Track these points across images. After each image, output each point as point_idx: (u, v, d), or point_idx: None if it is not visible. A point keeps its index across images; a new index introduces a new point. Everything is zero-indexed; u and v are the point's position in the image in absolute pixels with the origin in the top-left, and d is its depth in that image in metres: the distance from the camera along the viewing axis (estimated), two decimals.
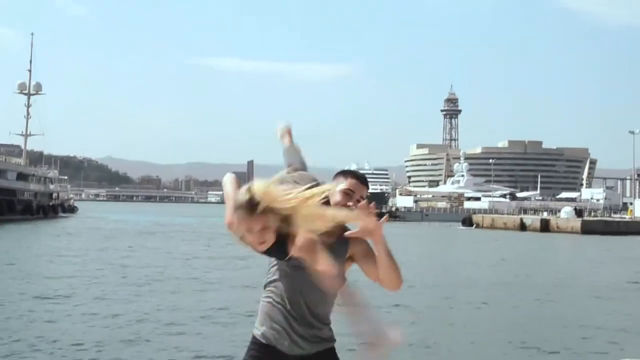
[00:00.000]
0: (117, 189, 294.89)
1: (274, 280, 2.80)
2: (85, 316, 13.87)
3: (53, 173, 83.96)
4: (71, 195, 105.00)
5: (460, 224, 78.00)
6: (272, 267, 2.83)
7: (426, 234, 58.13)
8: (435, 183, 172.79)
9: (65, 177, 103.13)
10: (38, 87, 78.56)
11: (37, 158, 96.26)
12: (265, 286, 2.84)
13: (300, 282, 2.71)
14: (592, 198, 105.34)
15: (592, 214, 79.29)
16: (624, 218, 73.29)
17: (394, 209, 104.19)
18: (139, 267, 23.85)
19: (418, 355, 11.15)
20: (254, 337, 2.82)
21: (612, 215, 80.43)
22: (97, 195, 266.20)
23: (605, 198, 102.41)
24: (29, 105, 77.03)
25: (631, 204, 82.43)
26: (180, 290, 18.26)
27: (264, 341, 2.77)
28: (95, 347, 10.99)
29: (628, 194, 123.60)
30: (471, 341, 12.65)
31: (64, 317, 13.74)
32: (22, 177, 67.81)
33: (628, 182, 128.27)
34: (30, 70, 78.09)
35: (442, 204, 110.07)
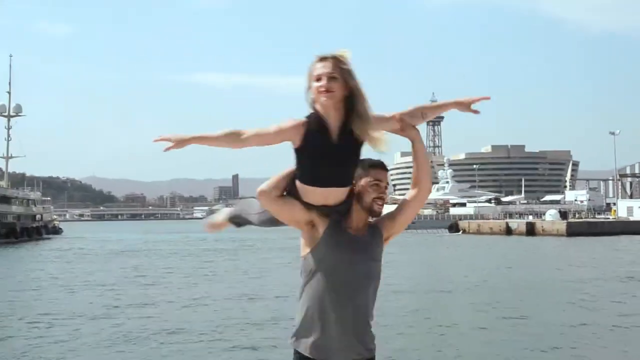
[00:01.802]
0: (101, 208, 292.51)
1: None
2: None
3: (35, 194, 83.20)
4: (55, 217, 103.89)
5: (447, 230, 78.16)
6: None
7: (414, 243, 58.15)
8: None
9: (48, 199, 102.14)
10: (18, 109, 77.91)
11: (19, 180, 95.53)
12: None
13: None
14: (576, 200, 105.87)
15: (577, 215, 79.80)
16: (608, 218, 73.87)
17: None
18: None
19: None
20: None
21: (596, 216, 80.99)
22: (81, 215, 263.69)
23: (589, 199, 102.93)
24: (9, 128, 76.44)
25: (614, 204, 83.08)
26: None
27: None
28: None
29: (611, 195, 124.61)
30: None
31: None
32: (4, 199, 67.14)
33: (610, 182, 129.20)
34: (9, 92, 77.57)
35: (428, 211, 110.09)
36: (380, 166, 2.77)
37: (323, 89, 2.56)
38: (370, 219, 2.80)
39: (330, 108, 2.59)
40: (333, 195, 2.64)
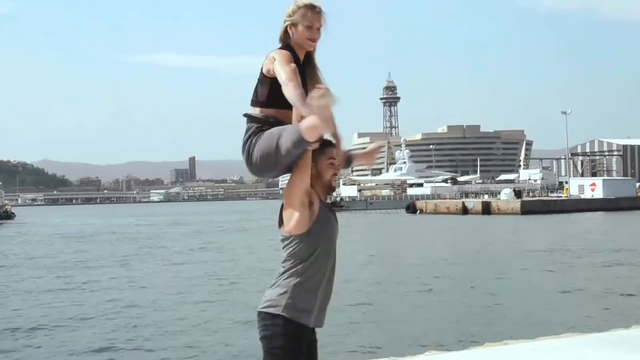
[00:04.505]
0: (55, 192, 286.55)
1: None
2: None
3: None
4: (6, 202, 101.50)
5: (404, 210, 78.95)
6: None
7: (371, 223, 58.66)
8: (378, 171, 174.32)
9: None
10: None
11: None
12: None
13: None
14: (529, 179, 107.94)
15: (531, 194, 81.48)
16: (561, 197, 75.66)
17: (338, 199, 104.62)
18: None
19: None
20: None
21: (549, 194, 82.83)
22: (34, 200, 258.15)
23: (542, 178, 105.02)
24: None
25: (566, 182, 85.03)
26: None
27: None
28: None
29: (563, 173, 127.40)
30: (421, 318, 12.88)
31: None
32: None
33: (562, 161, 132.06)
34: None
35: (386, 192, 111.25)
36: (331, 144, 2.92)
37: (312, 38, 2.92)
38: None
39: (304, 52, 2.96)
40: (288, 116, 2.85)
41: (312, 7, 2.90)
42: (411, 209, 78.57)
